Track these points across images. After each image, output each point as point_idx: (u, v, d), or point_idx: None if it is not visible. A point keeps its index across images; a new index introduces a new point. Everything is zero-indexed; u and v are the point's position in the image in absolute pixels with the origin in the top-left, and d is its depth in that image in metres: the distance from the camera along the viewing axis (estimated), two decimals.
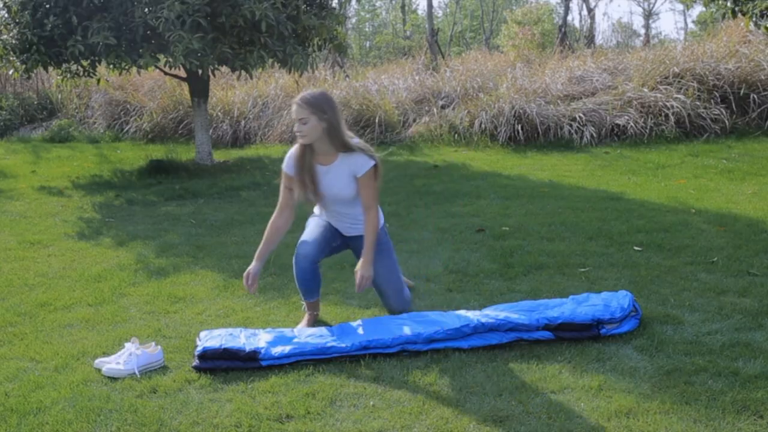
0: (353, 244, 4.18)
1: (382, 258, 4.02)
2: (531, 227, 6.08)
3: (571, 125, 10.22)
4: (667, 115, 10.02)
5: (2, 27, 8.92)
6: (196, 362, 3.52)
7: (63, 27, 8.35)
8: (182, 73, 9.87)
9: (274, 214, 4.07)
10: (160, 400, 3.21)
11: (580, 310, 3.78)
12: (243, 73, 9.01)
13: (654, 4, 47.42)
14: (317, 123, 3.83)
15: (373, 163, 3.93)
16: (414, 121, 11.59)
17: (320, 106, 3.82)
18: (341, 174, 3.94)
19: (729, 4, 7.62)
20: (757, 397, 3.06)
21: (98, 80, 9.97)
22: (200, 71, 8.98)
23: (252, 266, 3.97)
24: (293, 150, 4.02)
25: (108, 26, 8.18)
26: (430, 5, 19.78)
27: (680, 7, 38.53)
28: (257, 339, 3.66)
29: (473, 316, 3.75)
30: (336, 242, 4.17)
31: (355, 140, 3.95)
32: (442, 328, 3.64)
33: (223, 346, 3.52)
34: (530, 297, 4.31)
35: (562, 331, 3.67)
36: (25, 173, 9.78)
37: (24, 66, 8.76)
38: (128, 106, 13.52)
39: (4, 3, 8.91)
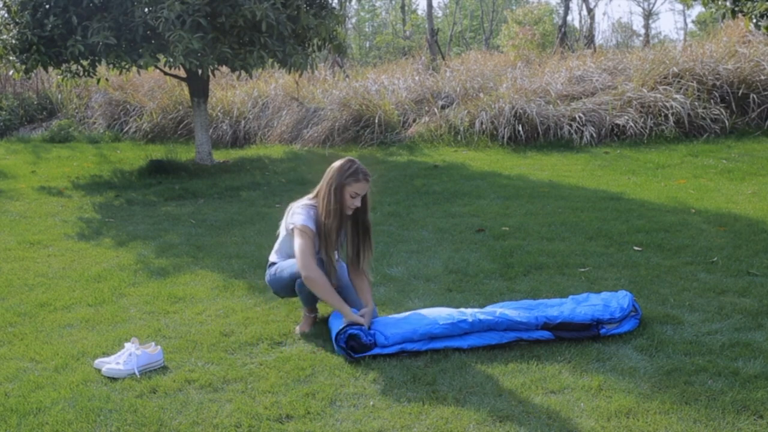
0: None
1: None
2: (531, 227, 6.08)
3: (571, 125, 10.22)
4: (666, 115, 10.03)
5: (2, 27, 8.93)
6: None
7: (63, 27, 8.35)
8: (182, 73, 9.88)
9: (318, 272, 3.73)
10: (160, 400, 3.21)
11: (580, 309, 3.78)
12: (243, 73, 9.02)
13: (654, 4, 47.47)
14: None
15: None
16: (414, 121, 11.59)
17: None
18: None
19: (728, 4, 7.61)
20: (757, 397, 3.06)
21: (98, 80, 9.97)
22: (200, 71, 8.98)
23: (352, 319, 3.72)
24: (312, 211, 3.85)
25: (108, 26, 8.18)
26: (430, 5, 19.77)
27: (680, 7, 38.56)
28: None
29: (471, 312, 3.76)
30: None
31: None
32: (437, 323, 3.65)
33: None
34: (530, 297, 4.32)
35: (562, 331, 3.68)
36: (25, 173, 9.78)
37: (24, 66, 8.76)
38: (128, 106, 13.52)
39: (4, 3, 8.92)
